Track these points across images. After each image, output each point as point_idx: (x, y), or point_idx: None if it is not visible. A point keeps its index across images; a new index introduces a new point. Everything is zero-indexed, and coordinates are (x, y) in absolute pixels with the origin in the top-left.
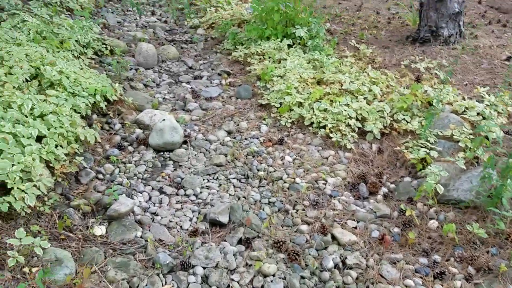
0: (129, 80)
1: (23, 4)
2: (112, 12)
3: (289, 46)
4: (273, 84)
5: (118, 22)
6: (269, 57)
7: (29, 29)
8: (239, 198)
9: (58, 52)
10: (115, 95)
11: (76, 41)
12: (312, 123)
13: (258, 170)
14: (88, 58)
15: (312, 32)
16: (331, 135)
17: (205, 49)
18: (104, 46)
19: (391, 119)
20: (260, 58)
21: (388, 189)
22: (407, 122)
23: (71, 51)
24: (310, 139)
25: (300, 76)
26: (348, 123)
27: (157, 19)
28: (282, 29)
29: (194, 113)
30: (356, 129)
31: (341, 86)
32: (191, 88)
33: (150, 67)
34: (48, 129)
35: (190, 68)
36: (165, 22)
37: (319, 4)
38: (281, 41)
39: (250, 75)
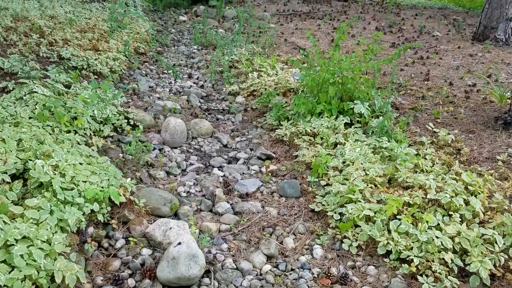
0: (148, 166)
1: (41, 69)
2: (146, 75)
3: (347, 124)
4: (328, 179)
5: (150, 87)
6: (322, 139)
7: (36, 103)
8: None
9: (66, 132)
10: (124, 195)
11: (91, 116)
12: (388, 251)
13: None
14: (103, 137)
15: (374, 107)
16: (418, 276)
17: (244, 122)
18: (127, 120)
19: (506, 256)
20: (310, 140)
21: None
22: None
23: (84, 129)
24: (387, 277)
25: (366, 173)
26: (442, 258)
27: (194, 83)
28: (338, 104)
29: (224, 219)
30: (456, 269)
31: (426, 195)
32: (224, 177)
33: (178, 146)
34: (9, 271)
35: (225, 146)
36: (202, 86)
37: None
38: (336, 119)
39: (298, 162)
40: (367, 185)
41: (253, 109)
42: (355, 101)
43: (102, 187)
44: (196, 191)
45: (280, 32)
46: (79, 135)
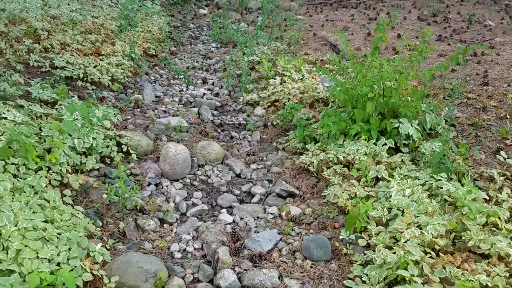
0: (138, 212)
1: (25, 83)
2: (155, 82)
3: (390, 149)
4: (370, 237)
5: (156, 97)
6: (359, 171)
7: (1, 134)
8: None
9: (34, 171)
10: (91, 270)
11: (71, 147)
12: None
13: None
14: (86, 171)
15: (424, 124)
16: None
17: (262, 142)
18: (118, 147)
19: None
20: (343, 171)
21: None
22: None
23: (60, 164)
24: None
25: (421, 231)
26: None
27: (208, 89)
28: (378, 123)
29: None
30: None
31: (509, 272)
32: (232, 227)
33: (180, 178)
34: None
35: (238, 176)
36: (217, 94)
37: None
38: (376, 142)
39: (328, 204)
40: (425, 251)
41: (274, 124)
42: (400, 119)
43: (58, 264)
44: (194, 248)
45: (309, 25)
46: (53, 172)
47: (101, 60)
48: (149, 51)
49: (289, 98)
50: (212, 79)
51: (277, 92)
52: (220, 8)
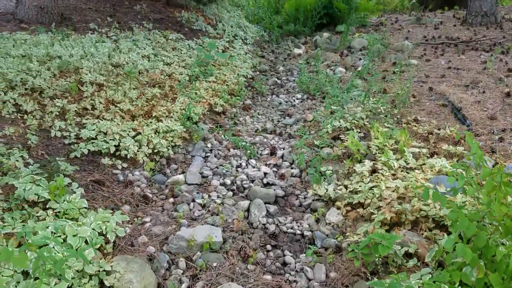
0: None
1: (26, 165)
2: (210, 151)
3: None
4: None
5: (203, 178)
6: None
7: None
8: None
9: None
10: None
11: None
12: None
13: None
14: None
15: None
16: None
17: (328, 286)
18: None
19: None
20: None
21: None
22: None
23: None
24: None
25: None
26: None
27: (275, 166)
28: None
29: None
30: None
31: None
32: None
33: None
34: None
35: None
36: (282, 177)
37: None
38: None
39: None
40: None
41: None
42: None
43: None
44: None
45: (424, 74)
46: None
47: (147, 125)
48: (216, 108)
49: (379, 206)
50: (283, 148)
51: (363, 191)
52: (318, 47)
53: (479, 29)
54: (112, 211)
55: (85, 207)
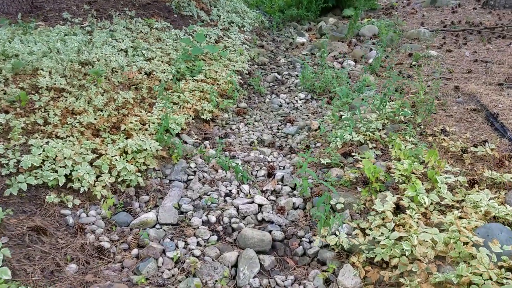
0: None
1: None
2: (194, 173)
3: None
4: None
5: (181, 214)
6: None
7: None
8: None
9: None
10: None
11: None
12: None
13: None
14: None
15: None
16: None
17: None
18: None
19: None
20: None
21: None
22: None
23: None
24: None
25: None
26: None
27: (272, 191)
28: None
29: None
30: None
31: None
32: None
33: None
34: None
35: None
36: (282, 210)
37: None
38: None
39: None
40: None
41: None
42: None
43: None
44: None
45: (446, 69)
46: None
47: (112, 143)
48: (203, 115)
49: (411, 270)
50: (283, 167)
51: (386, 245)
52: (323, 35)
53: (503, 12)
54: None
55: (6, 280)
